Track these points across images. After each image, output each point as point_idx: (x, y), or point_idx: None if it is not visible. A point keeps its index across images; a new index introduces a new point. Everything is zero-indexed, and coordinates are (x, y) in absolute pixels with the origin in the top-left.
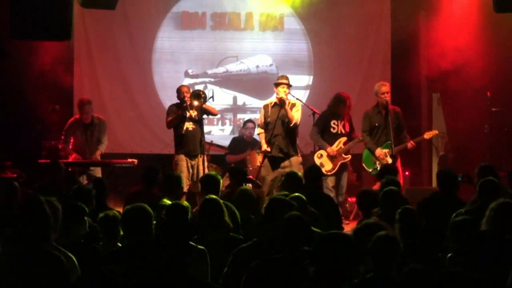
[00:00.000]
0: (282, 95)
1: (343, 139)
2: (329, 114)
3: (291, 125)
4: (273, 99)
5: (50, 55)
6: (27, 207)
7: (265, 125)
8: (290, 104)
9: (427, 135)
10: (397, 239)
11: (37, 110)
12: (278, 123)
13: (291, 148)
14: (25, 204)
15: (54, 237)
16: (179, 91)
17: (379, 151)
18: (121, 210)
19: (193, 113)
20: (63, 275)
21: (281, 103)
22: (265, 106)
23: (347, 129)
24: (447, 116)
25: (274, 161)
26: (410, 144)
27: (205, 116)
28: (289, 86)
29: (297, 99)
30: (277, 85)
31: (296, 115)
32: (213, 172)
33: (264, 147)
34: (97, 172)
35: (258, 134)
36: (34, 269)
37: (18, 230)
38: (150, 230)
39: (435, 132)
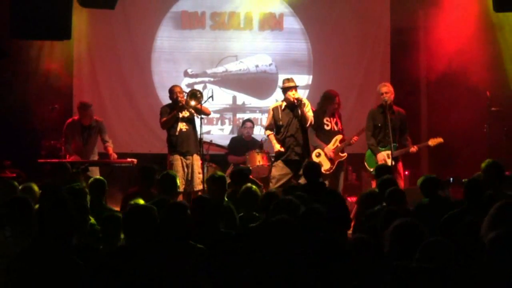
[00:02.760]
0: (297, 96)
1: (339, 137)
2: (320, 112)
3: (307, 124)
4: (280, 101)
5: (50, 55)
6: (54, 208)
7: (277, 128)
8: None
9: (432, 142)
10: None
11: (36, 110)
12: (293, 125)
13: (306, 150)
14: (52, 205)
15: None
16: (172, 91)
17: (380, 156)
18: (118, 210)
19: (186, 114)
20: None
21: (298, 104)
22: (275, 109)
23: (340, 126)
24: (447, 115)
25: (292, 164)
26: (414, 148)
27: (203, 116)
28: (296, 87)
29: None
30: (286, 89)
31: (309, 114)
32: (219, 173)
33: (277, 147)
34: (95, 172)
35: (268, 136)
36: (55, 274)
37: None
38: (152, 230)
39: (439, 140)
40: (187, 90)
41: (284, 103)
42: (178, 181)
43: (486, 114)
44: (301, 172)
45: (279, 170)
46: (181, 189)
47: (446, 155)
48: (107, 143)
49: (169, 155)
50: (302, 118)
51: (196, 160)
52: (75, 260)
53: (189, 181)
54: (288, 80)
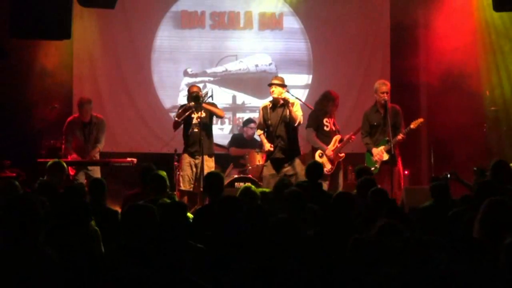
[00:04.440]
0: (276, 95)
1: (338, 137)
2: (320, 112)
3: (295, 124)
4: (269, 101)
5: (50, 54)
6: (20, 205)
7: (266, 127)
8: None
9: (413, 125)
10: None
11: (36, 109)
12: (280, 124)
13: (293, 149)
14: (17, 202)
15: None
16: (188, 92)
17: (375, 151)
18: (118, 209)
19: (202, 114)
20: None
21: (285, 103)
22: (264, 108)
23: (337, 127)
24: (447, 114)
25: (277, 163)
26: (400, 136)
27: (218, 117)
28: (283, 86)
29: (296, 98)
30: (269, 85)
31: (298, 113)
32: (216, 171)
33: (267, 146)
34: (96, 171)
35: (259, 135)
36: (29, 269)
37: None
38: (152, 230)
39: (420, 120)
40: (186, 89)
41: (273, 102)
42: (167, 181)
43: (485, 113)
44: (286, 168)
45: (269, 169)
46: (189, 188)
47: (446, 154)
48: (98, 144)
49: (181, 153)
50: (290, 118)
51: (208, 161)
52: (46, 251)
53: (197, 181)
54: (276, 77)
